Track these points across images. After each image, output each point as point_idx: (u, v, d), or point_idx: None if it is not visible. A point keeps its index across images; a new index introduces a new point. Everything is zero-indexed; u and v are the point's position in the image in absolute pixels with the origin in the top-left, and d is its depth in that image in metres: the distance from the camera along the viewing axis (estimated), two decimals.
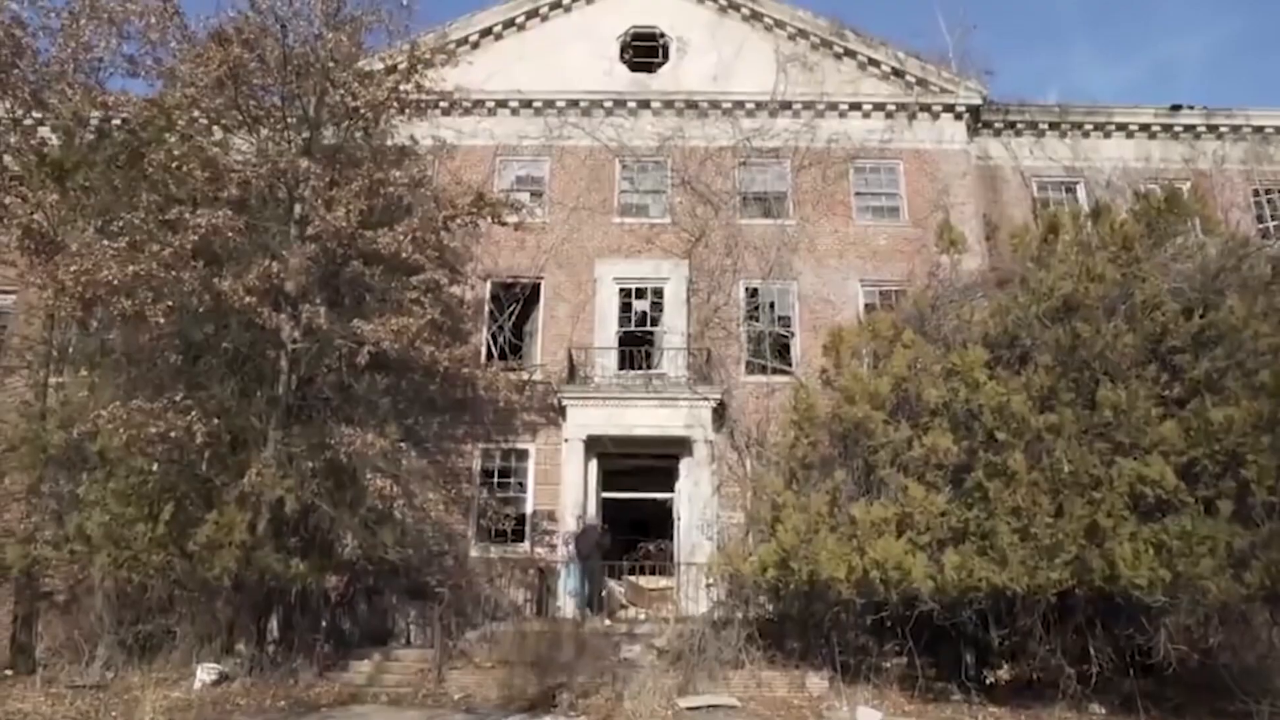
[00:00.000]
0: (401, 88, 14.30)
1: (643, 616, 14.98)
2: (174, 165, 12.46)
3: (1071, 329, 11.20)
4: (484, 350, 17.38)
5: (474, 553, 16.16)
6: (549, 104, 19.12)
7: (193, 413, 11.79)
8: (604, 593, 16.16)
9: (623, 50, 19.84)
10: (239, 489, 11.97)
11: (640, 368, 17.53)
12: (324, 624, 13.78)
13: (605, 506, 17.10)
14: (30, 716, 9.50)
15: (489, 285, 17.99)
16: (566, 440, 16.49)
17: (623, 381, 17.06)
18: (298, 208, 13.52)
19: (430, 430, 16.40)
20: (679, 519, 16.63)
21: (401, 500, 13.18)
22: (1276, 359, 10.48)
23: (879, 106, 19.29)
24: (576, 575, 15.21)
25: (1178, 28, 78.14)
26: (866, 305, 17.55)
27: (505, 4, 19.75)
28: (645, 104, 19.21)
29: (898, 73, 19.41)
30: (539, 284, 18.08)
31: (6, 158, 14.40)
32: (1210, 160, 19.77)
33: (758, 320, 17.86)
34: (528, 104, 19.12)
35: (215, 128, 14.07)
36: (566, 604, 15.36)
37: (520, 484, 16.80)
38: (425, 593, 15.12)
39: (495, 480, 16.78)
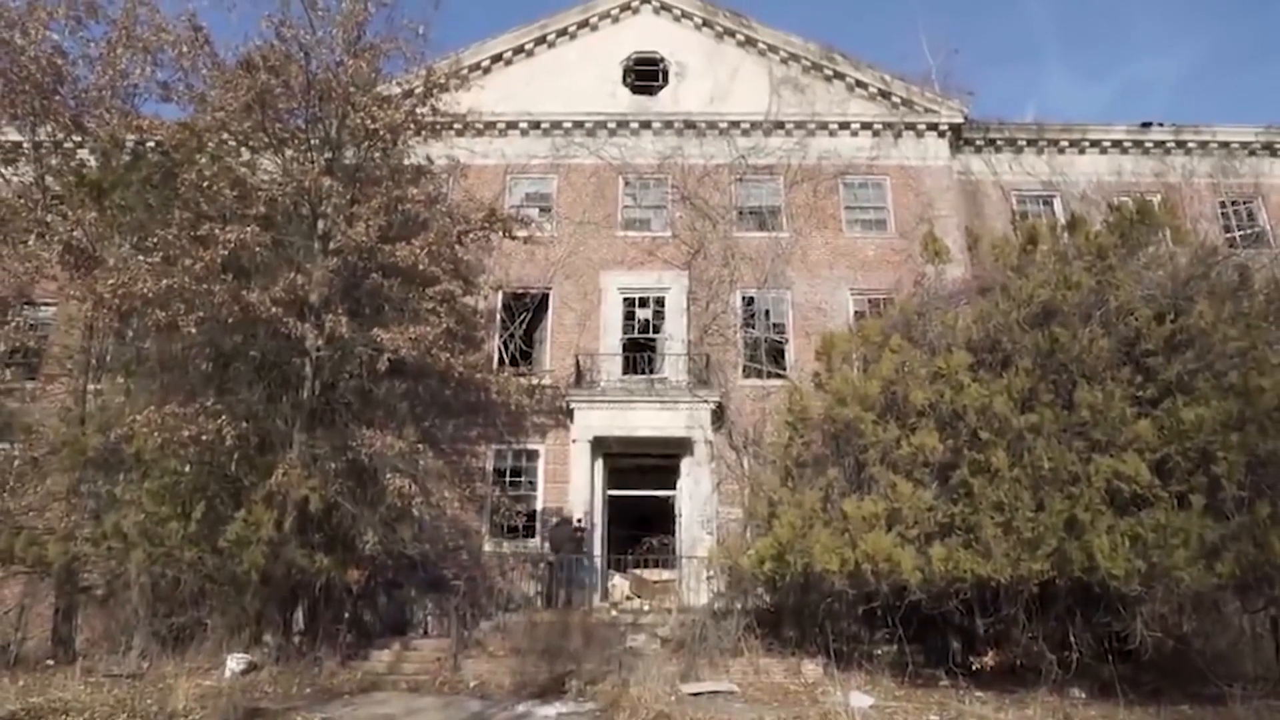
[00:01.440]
0: (418, 111, 14.33)
1: (647, 607, 14.93)
2: (205, 184, 12.47)
3: (1050, 334, 11.20)
4: (496, 357, 17.41)
5: (487, 547, 16.15)
6: (556, 125, 19.19)
7: (223, 417, 11.81)
8: (610, 584, 16.16)
9: (625, 74, 19.92)
10: (266, 488, 11.95)
11: (643, 372, 17.56)
12: (346, 615, 13.77)
13: (611, 503, 17.10)
14: (70, 704, 9.45)
15: (500, 295, 18.02)
16: (574, 441, 16.48)
17: (627, 385, 17.06)
18: (321, 224, 13.55)
19: (446, 432, 16.42)
20: (680, 515, 16.62)
21: (419, 498, 13.17)
22: (1244, 361, 10.48)
23: (866, 125, 19.33)
24: (559, 567, 15.33)
25: (1148, 49, 78.32)
26: (856, 312, 17.56)
27: (515, 32, 19.85)
28: (647, 125, 19.26)
29: (884, 94, 19.47)
30: (548, 294, 18.12)
31: (48, 178, 14.44)
32: (1179, 174, 19.79)
33: (754, 327, 17.88)
34: (536, 125, 19.19)
35: (243, 149, 14.08)
36: (573, 596, 15.36)
37: (531, 482, 16.79)
38: (442, 585, 15.12)
39: (507, 479, 16.76)
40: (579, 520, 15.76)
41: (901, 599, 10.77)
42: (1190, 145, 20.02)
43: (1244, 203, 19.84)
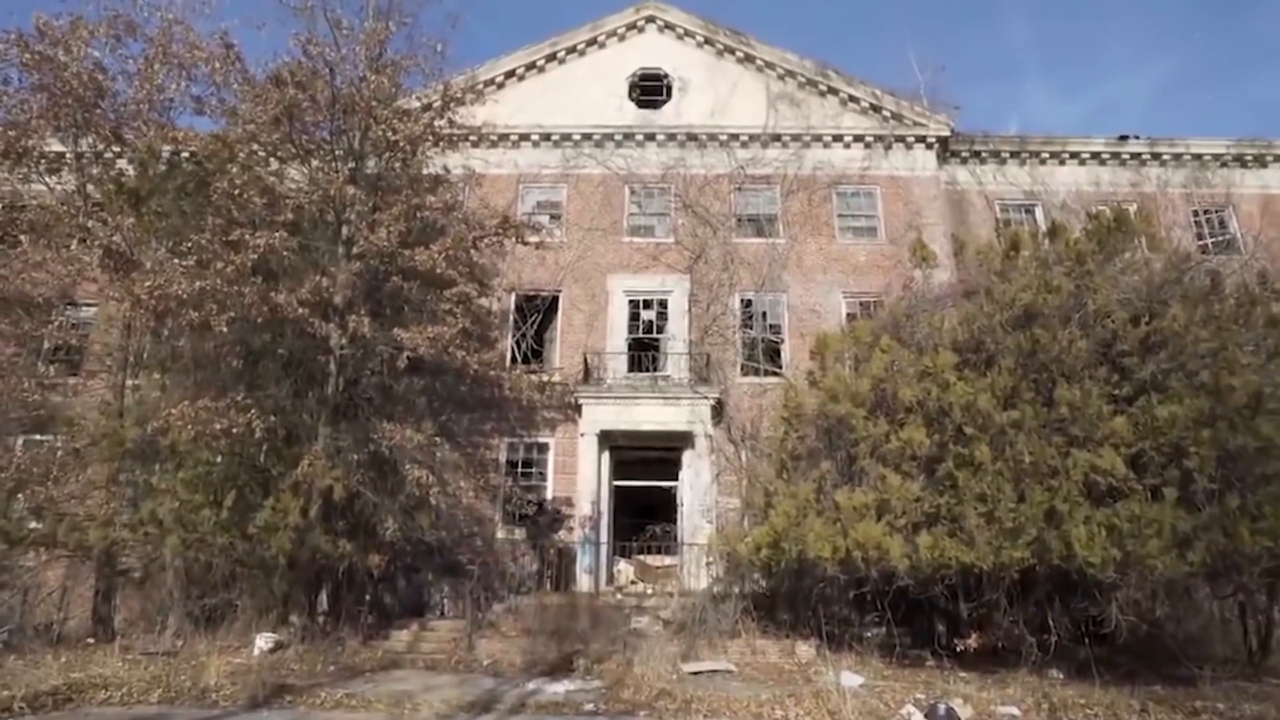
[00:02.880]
0: (436, 123, 14.35)
1: (650, 591, 14.95)
2: (236, 193, 12.52)
3: (1031, 335, 11.16)
4: (509, 355, 17.42)
5: (500, 534, 16.17)
6: (566, 137, 19.19)
7: (252, 411, 11.86)
8: (616, 569, 16.19)
9: (631, 89, 19.91)
10: (293, 478, 11.99)
11: (647, 370, 17.55)
12: (368, 598, 13.82)
13: (616, 493, 17.12)
14: (109, 679, 9.51)
15: (513, 297, 18.04)
16: (582, 435, 16.50)
17: (632, 382, 17.06)
18: (344, 230, 13.58)
19: (461, 426, 16.44)
20: (682, 504, 16.62)
21: (436, 488, 13.19)
22: (1215, 361, 10.41)
23: (858, 138, 19.29)
24: (536, 552, 15.75)
25: (1121, 67, 78.07)
26: (848, 314, 17.54)
27: (527, 49, 19.85)
28: (651, 137, 19.25)
29: (875, 108, 19.42)
30: (557, 296, 18.12)
31: (89, 187, 14.48)
32: (1154, 184, 19.71)
33: (751, 328, 17.86)
34: (547, 137, 19.19)
35: (272, 159, 14.12)
36: (582, 580, 15.41)
37: (541, 473, 16.81)
38: (457, 570, 15.15)
39: (519, 470, 16.79)
40: (557, 508, 16.00)
41: (890, 584, 10.76)
42: (1165, 157, 19.96)
43: (1215, 211, 19.77)
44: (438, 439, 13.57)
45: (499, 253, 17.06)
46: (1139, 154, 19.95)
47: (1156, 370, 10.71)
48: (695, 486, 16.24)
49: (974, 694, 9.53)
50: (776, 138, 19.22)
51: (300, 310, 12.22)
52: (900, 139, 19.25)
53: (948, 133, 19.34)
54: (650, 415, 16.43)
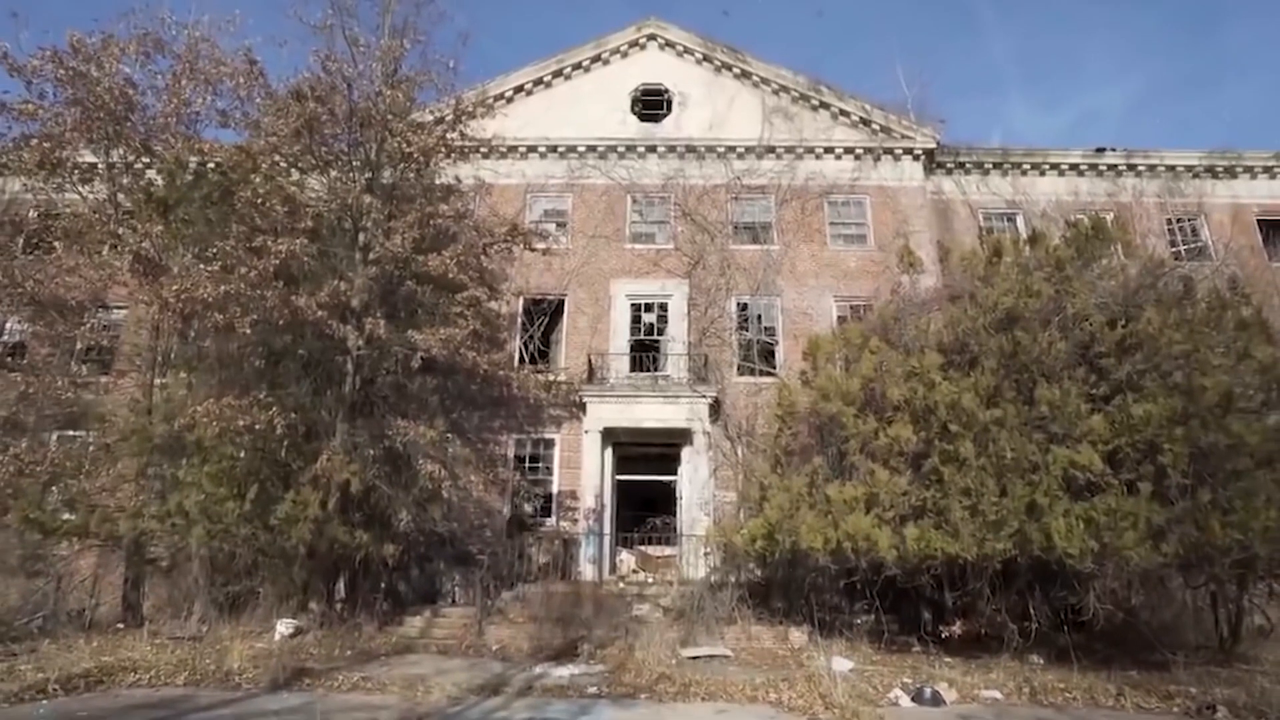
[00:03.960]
0: (448, 136, 14.35)
1: (650, 580, 14.95)
2: (259, 201, 12.52)
3: (1013, 337, 11.16)
4: (517, 356, 17.43)
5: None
6: (571, 149, 19.20)
7: (274, 408, 11.86)
8: (618, 559, 16.16)
9: (633, 103, 19.92)
10: (312, 472, 11.99)
11: (648, 370, 17.56)
12: (383, 586, 13.82)
13: (619, 487, 17.11)
14: (138, 663, 9.52)
15: (521, 301, 18.04)
16: (586, 431, 16.49)
17: (633, 382, 17.06)
18: (361, 236, 13.59)
19: (472, 423, 16.45)
20: (681, 498, 16.61)
21: (448, 482, 13.21)
22: (1187, 363, 10.43)
23: (849, 150, 19.29)
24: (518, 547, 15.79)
25: (1098, 81, 78.11)
26: (839, 317, 17.52)
27: (535, 65, 19.87)
28: (652, 149, 19.25)
29: (865, 121, 19.42)
30: (563, 300, 18.13)
31: (120, 196, 14.47)
32: (1130, 194, 19.71)
33: (747, 330, 17.86)
34: (554, 149, 19.20)
35: (293, 170, 14.12)
36: (586, 569, 15.40)
37: (547, 468, 16.81)
38: (468, 560, 15.13)
39: (526, 465, 16.78)
40: (521, 516, 16.10)
41: (879, 574, 10.75)
42: (1140, 168, 19.95)
43: (1188, 220, 19.75)
44: (449, 435, 13.58)
45: (508, 259, 17.05)
46: (1115, 165, 19.94)
47: (1132, 371, 10.72)
48: (694, 481, 16.24)
49: (958, 678, 9.53)
50: (771, 150, 19.22)
51: (319, 313, 12.23)
52: (889, 151, 19.25)
53: (934, 145, 19.33)
54: (651, 413, 16.44)
